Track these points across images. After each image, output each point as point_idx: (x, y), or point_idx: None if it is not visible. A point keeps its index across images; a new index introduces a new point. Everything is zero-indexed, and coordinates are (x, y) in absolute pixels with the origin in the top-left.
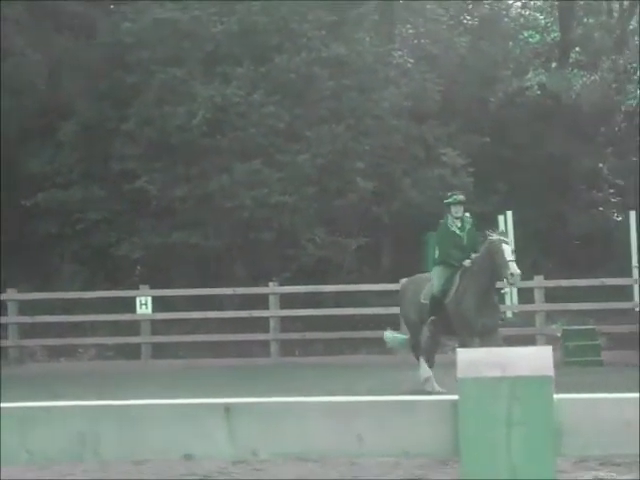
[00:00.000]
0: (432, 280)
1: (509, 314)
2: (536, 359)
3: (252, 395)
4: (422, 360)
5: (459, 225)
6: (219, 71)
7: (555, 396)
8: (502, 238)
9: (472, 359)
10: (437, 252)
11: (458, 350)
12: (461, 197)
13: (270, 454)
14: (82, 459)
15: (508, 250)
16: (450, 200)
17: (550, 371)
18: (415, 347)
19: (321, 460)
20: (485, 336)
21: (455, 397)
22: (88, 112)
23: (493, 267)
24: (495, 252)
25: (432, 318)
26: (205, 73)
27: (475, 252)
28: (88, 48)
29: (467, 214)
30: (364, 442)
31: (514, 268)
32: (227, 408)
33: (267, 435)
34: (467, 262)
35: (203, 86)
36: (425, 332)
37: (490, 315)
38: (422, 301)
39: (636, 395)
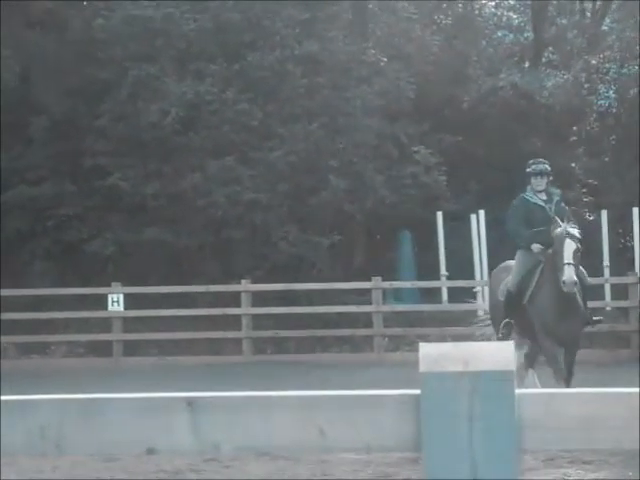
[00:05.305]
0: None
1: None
2: (498, 354)
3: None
4: (530, 371)
5: (544, 198)
6: (192, 68)
7: (516, 391)
8: (568, 230)
9: (434, 354)
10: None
11: (420, 344)
12: (544, 166)
13: (233, 448)
14: (45, 454)
15: (570, 248)
16: (530, 169)
17: (512, 366)
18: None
19: (292, 458)
20: (567, 343)
21: (418, 392)
22: (59, 108)
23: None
24: (555, 251)
25: (506, 320)
26: (178, 70)
27: None
28: (60, 44)
29: (555, 188)
30: (326, 436)
31: (569, 274)
32: (189, 402)
33: (230, 429)
34: (535, 247)
35: (176, 83)
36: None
37: (569, 320)
38: (499, 298)
39: (596, 390)
